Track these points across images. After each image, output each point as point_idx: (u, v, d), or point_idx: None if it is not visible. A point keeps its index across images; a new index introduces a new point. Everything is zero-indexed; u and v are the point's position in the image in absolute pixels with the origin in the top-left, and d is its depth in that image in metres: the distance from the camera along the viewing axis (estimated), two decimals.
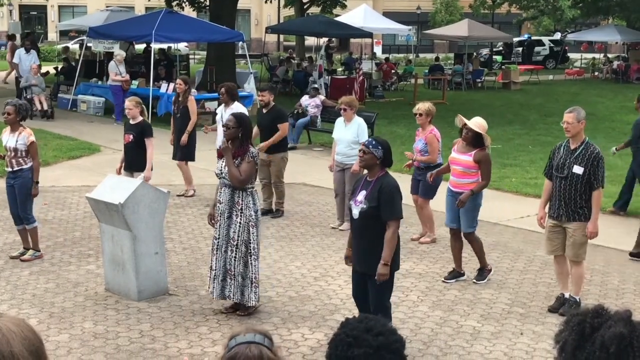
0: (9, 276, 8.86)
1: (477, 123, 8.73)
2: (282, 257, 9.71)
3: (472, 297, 8.47)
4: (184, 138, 12.59)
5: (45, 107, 21.28)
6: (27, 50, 23.57)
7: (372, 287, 6.65)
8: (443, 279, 8.99)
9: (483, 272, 9.02)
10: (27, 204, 9.39)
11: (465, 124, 8.71)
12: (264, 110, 11.55)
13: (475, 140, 8.70)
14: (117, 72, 21.28)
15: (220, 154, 7.60)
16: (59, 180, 13.66)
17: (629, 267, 9.73)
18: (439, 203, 11.41)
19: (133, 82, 22.62)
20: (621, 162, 16.26)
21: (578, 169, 7.72)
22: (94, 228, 10.33)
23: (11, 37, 32.82)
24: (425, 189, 10.22)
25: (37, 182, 9.34)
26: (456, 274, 9.05)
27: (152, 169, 10.71)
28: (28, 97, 20.94)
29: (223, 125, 7.71)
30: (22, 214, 9.41)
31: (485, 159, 8.70)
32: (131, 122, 10.62)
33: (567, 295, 8.14)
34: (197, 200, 12.59)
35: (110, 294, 8.35)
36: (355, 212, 6.62)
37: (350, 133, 10.76)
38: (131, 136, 10.54)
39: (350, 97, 11.24)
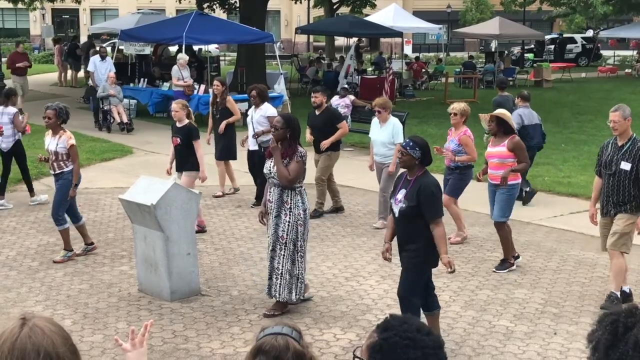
0: (44, 277, 8.96)
1: (499, 111, 9.22)
2: (313, 258, 9.72)
3: (505, 297, 8.41)
4: (222, 127, 12.66)
5: (125, 119, 19.52)
6: (103, 57, 21.65)
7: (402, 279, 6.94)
8: (494, 270, 9.21)
9: (505, 263, 9.22)
10: (61, 205, 9.52)
11: (490, 116, 9.14)
12: (317, 112, 11.70)
13: (503, 129, 9.11)
14: (179, 76, 20.15)
15: (270, 154, 7.68)
16: (92, 182, 13.78)
17: None
18: (473, 202, 11.38)
19: (164, 84, 22.73)
20: None
21: (625, 165, 7.80)
22: (127, 229, 10.41)
23: (58, 41, 33.21)
24: (451, 188, 10.22)
25: (76, 185, 9.52)
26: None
27: (196, 170, 10.82)
28: (105, 108, 19.60)
29: (271, 126, 7.84)
30: (53, 214, 9.53)
31: (518, 146, 9.11)
32: (177, 124, 10.69)
33: (626, 289, 8.13)
34: (229, 201, 12.64)
35: (143, 294, 8.41)
36: (396, 211, 6.83)
37: (385, 134, 10.86)
38: (178, 139, 10.67)
39: (383, 98, 11.40)
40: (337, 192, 12.03)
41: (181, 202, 8.19)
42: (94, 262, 9.55)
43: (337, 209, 11.96)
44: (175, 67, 20.47)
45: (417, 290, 6.87)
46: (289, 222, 7.61)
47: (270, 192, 7.75)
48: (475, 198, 11.56)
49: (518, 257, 9.44)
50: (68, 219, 9.66)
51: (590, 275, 9.08)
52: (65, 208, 9.58)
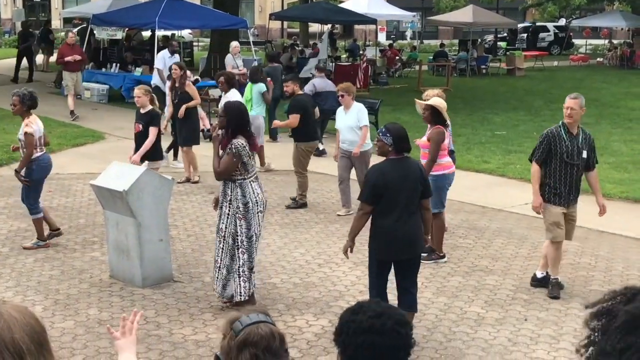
0: (14, 263, 8.88)
1: (434, 100, 8.96)
2: (286, 244, 9.72)
3: (477, 283, 8.47)
4: (181, 111, 12.48)
5: (207, 124, 15.30)
6: (172, 53, 18.96)
7: None
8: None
9: (432, 253, 9.12)
10: (30, 194, 9.32)
11: (425, 104, 8.96)
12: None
13: (434, 118, 8.93)
14: (233, 64, 19.16)
15: None
16: (63, 168, 13.65)
17: (634, 254, 9.72)
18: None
19: (137, 69, 22.55)
20: (626, 148, 16.25)
21: (585, 154, 7.96)
22: (99, 215, 10.34)
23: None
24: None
25: (18, 172, 9.17)
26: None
27: (159, 160, 10.76)
28: None
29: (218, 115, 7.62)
30: (25, 204, 9.39)
31: (434, 137, 8.89)
32: (141, 110, 10.62)
33: (558, 277, 8.24)
34: (202, 187, 12.60)
35: (114, 280, 8.37)
36: None
37: (351, 119, 10.80)
38: (141, 125, 10.57)
39: (346, 83, 11.31)
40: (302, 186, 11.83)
41: (153, 188, 8.15)
42: (65, 248, 9.48)
43: (294, 201, 11.78)
44: (229, 56, 19.73)
45: (372, 277, 6.81)
46: (228, 214, 7.38)
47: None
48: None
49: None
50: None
51: (560, 262, 9.15)
52: (35, 196, 9.35)
